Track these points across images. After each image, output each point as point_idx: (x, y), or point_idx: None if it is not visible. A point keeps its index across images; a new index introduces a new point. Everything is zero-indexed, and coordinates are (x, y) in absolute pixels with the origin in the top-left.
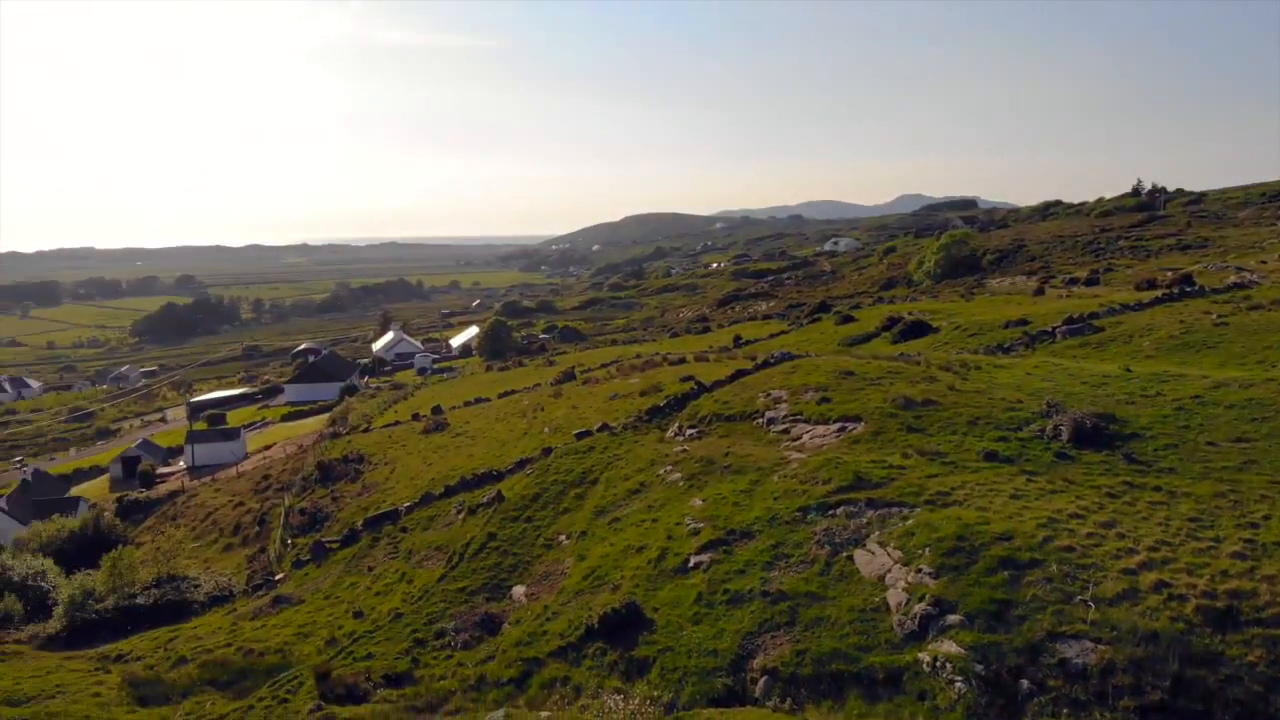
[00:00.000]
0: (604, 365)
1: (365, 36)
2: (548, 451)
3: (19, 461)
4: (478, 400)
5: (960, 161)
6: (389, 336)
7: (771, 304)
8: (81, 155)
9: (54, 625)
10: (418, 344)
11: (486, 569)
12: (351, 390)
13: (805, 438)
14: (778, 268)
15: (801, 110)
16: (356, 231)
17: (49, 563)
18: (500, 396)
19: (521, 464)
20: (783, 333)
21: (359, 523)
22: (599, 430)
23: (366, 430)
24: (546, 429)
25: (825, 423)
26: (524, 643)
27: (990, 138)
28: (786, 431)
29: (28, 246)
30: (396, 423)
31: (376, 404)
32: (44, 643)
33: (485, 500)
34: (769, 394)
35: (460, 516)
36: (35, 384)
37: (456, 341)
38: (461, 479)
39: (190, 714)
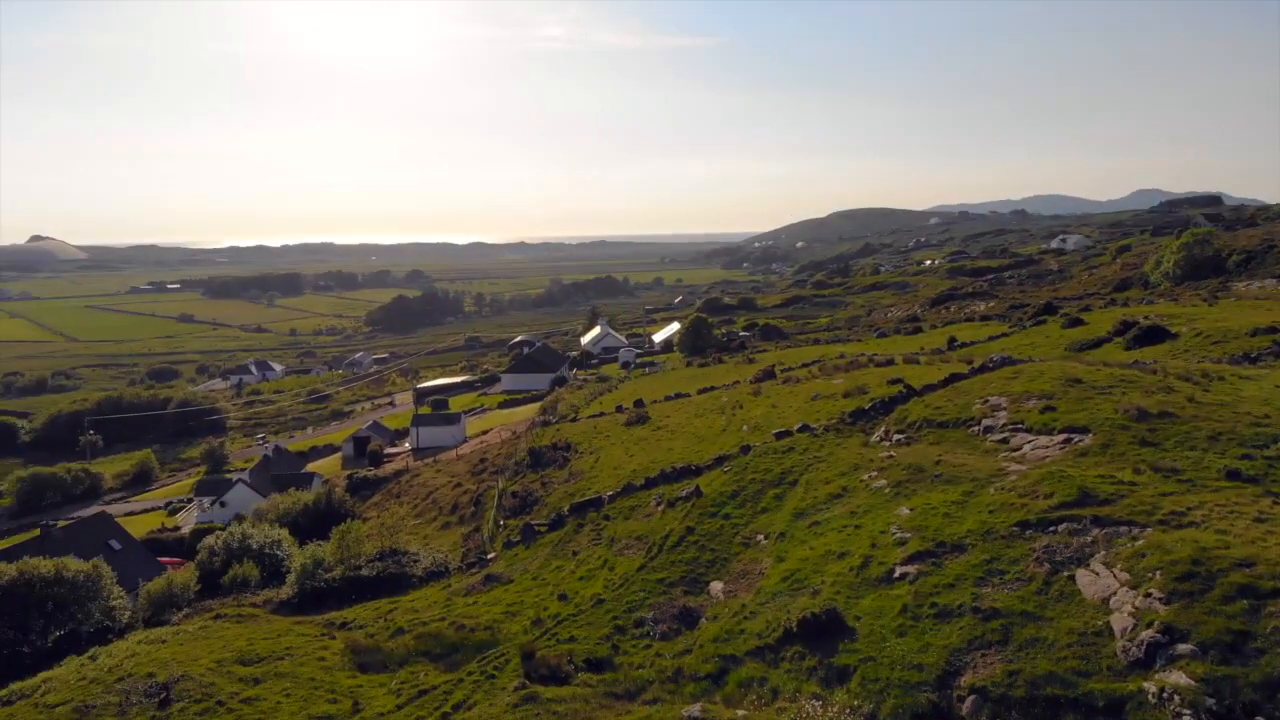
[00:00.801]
0: (805, 365)
1: (582, 40)
2: (746, 450)
3: (261, 438)
4: (678, 395)
5: (1203, 155)
6: (596, 331)
7: (990, 304)
8: (330, 162)
9: (286, 591)
10: (622, 338)
11: (684, 562)
12: (561, 381)
13: (1025, 448)
14: (998, 266)
15: (1027, 102)
16: (570, 230)
17: (284, 533)
18: (700, 392)
19: (720, 460)
20: (1002, 335)
21: (565, 508)
22: (799, 431)
23: (574, 420)
24: (745, 427)
25: (1048, 433)
26: (721, 639)
27: (1238, 129)
28: (1005, 441)
29: (275, 241)
30: (601, 414)
31: (583, 395)
32: (276, 607)
33: (684, 494)
34: (986, 400)
35: (660, 509)
36: (278, 367)
37: (659, 337)
38: (661, 472)
39: (405, 683)
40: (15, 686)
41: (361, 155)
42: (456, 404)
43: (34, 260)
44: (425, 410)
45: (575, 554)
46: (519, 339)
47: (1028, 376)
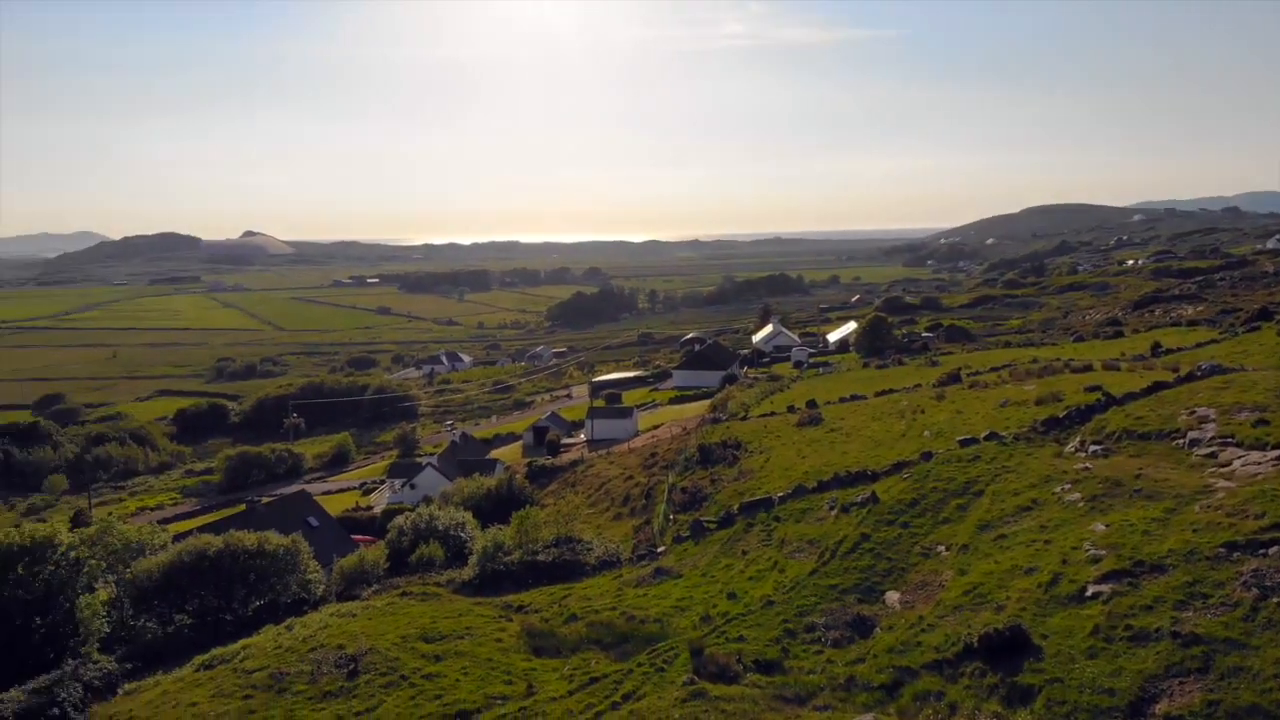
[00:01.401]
0: (994, 369)
1: (766, 36)
2: (927, 456)
3: (449, 425)
4: (853, 397)
5: None
6: (768, 329)
7: (1199, 308)
8: (518, 163)
9: (468, 573)
10: (795, 337)
11: (859, 570)
12: (732, 379)
13: (1235, 464)
14: (1208, 267)
15: (1241, 91)
16: (743, 227)
17: (468, 515)
18: (877, 395)
19: (898, 466)
20: (1212, 341)
21: (735, 507)
22: (986, 438)
23: (744, 418)
24: (926, 432)
25: (1261, 448)
26: (896, 650)
27: None
28: (1213, 456)
29: (466, 239)
30: (772, 413)
31: (754, 394)
32: (458, 587)
33: (859, 500)
34: (1193, 412)
35: (833, 513)
36: (467, 359)
37: (834, 336)
38: (834, 475)
39: (577, 669)
40: (217, 651)
41: (547, 155)
42: (629, 398)
43: (246, 254)
44: (600, 403)
45: (744, 553)
46: (690, 336)
47: (1239, 387)
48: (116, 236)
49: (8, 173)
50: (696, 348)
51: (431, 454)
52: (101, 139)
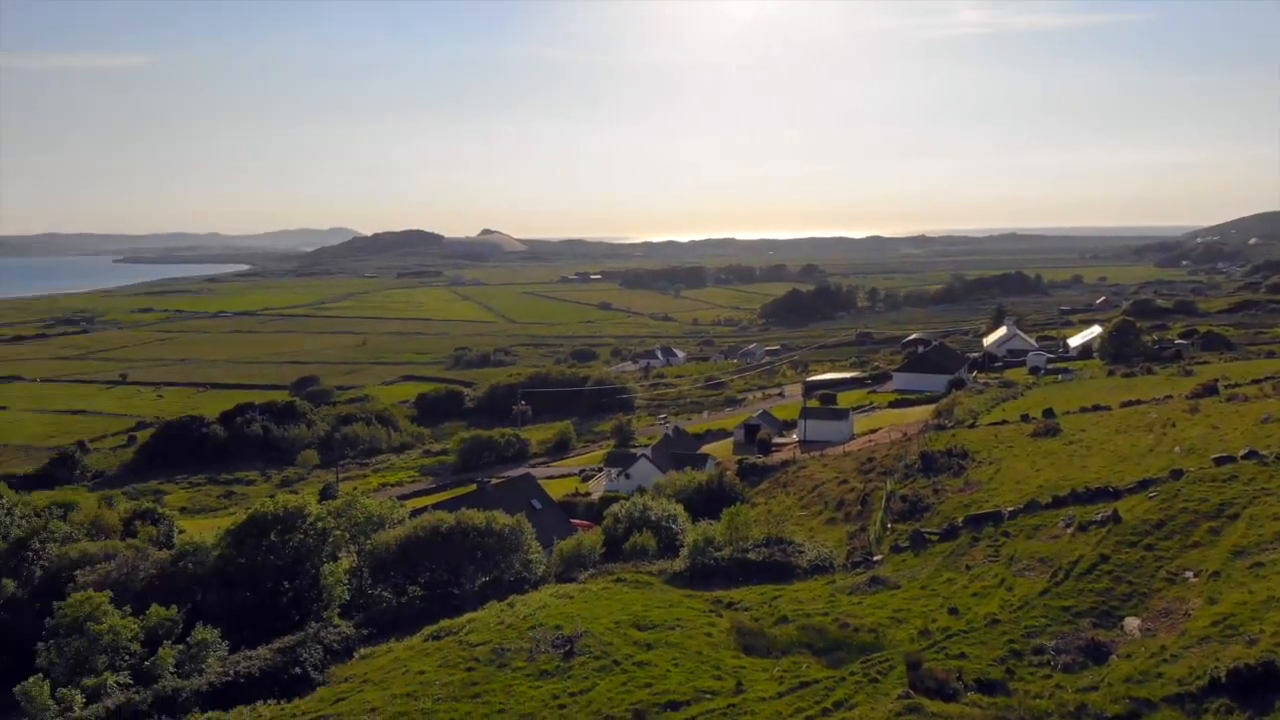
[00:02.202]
0: (1255, 381)
1: (1002, 23)
2: (1177, 474)
3: (663, 418)
4: (1095, 407)
5: None
6: (1001, 332)
7: None
8: (734, 159)
9: (679, 564)
10: (1031, 341)
11: (1095, 592)
12: (959, 384)
13: None
14: None
15: None
16: (975, 222)
17: (679, 508)
18: (1122, 405)
19: (1144, 484)
20: None
21: (959, 519)
22: (1244, 457)
23: (972, 426)
24: (1177, 448)
25: None
26: (1134, 680)
27: None
28: None
29: (683, 237)
30: (1003, 422)
31: (984, 400)
32: (670, 578)
33: (1098, 518)
34: None
35: (1068, 531)
36: (681, 354)
37: (1075, 341)
38: (1072, 491)
39: (787, 671)
40: (445, 623)
41: (767, 152)
42: (845, 400)
43: (483, 251)
44: (813, 404)
45: (969, 568)
46: (913, 337)
47: None
48: (368, 233)
49: (277, 172)
50: (920, 349)
51: (645, 445)
52: (357, 142)
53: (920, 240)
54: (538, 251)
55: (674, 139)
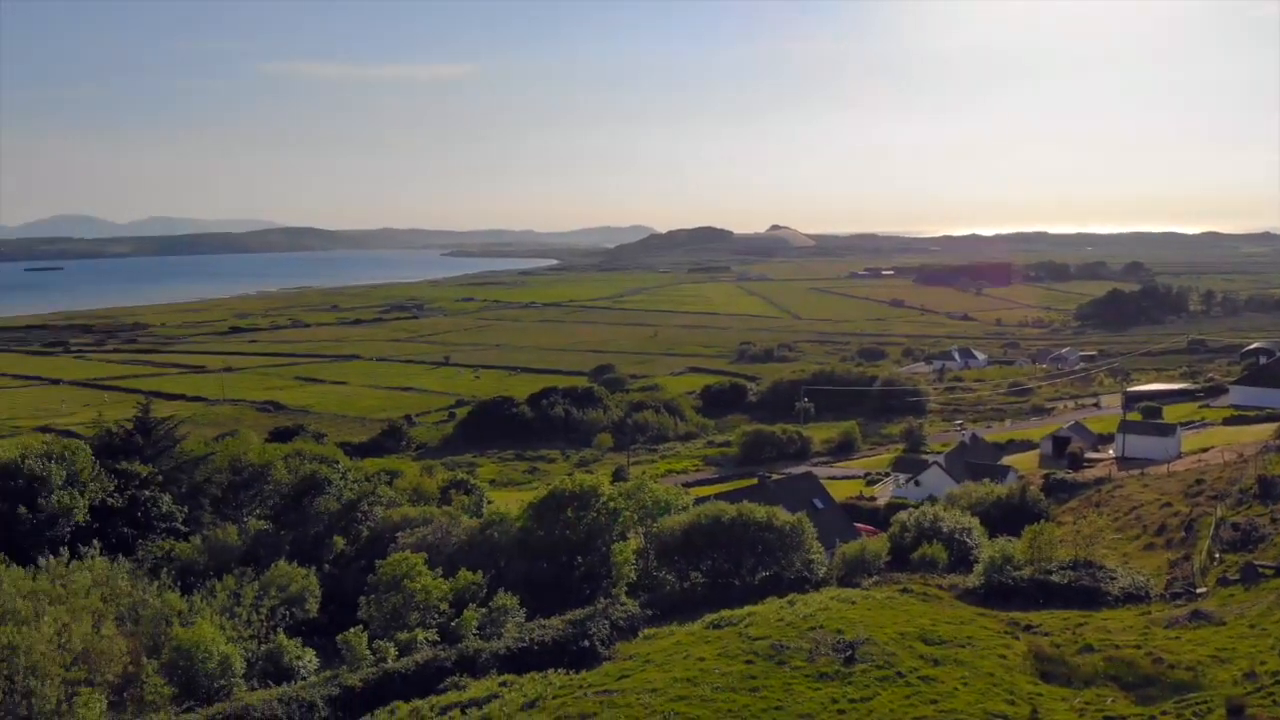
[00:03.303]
0: None
1: None
2: None
3: (959, 425)
4: None
5: None
6: None
7: None
8: (1045, 147)
9: (972, 580)
10: None
11: None
12: None
13: None
14: None
15: None
16: None
17: (975, 521)
18: None
19: None
20: None
21: None
22: None
23: None
24: None
25: None
26: None
27: None
28: None
29: (987, 230)
30: None
31: None
32: (961, 594)
33: None
34: None
35: None
36: (981, 356)
37: None
38: None
39: (1090, 704)
40: (725, 613)
41: (1086, 141)
42: (1171, 414)
43: (771, 246)
44: (1134, 417)
45: None
46: (1254, 346)
47: None
48: (663, 230)
49: (584, 173)
50: (1262, 360)
51: (938, 452)
52: (655, 142)
53: (1265, 238)
54: (826, 246)
55: (978, 125)
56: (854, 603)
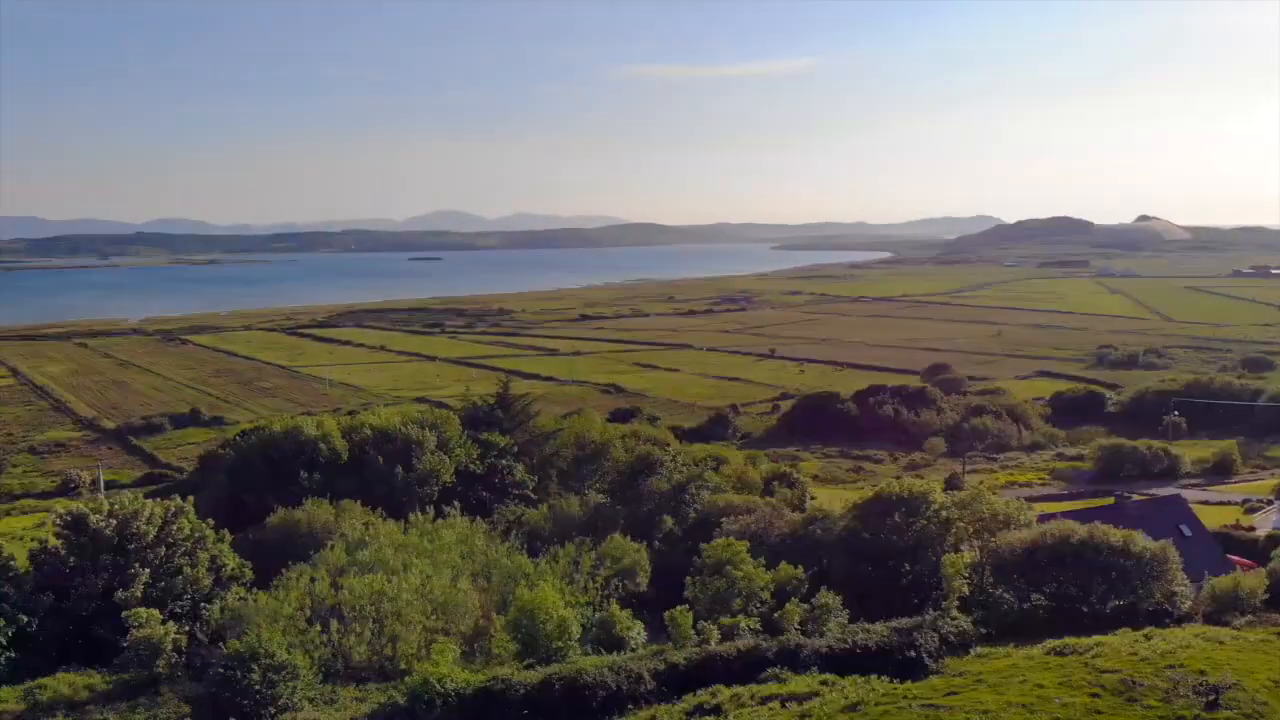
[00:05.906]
0: None
1: None
2: None
3: None
4: None
5: None
6: None
7: None
8: None
9: None
10: None
11: None
12: None
13: None
14: None
15: None
16: None
17: None
18: None
19: None
20: None
21: None
22: None
23: None
24: None
25: None
26: None
27: None
28: None
29: None
30: None
31: None
32: None
33: None
34: None
35: None
36: None
37: None
38: None
39: None
40: (1070, 640)
41: None
42: None
43: (1138, 239)
44: None
45: None
46: None
47: None
48: (1011, 220)
49: (924, 163)
50: None
51: None
52: (1001, 128)
53: None
54: (1205, 240)
55: None
56: (1222, 642)
